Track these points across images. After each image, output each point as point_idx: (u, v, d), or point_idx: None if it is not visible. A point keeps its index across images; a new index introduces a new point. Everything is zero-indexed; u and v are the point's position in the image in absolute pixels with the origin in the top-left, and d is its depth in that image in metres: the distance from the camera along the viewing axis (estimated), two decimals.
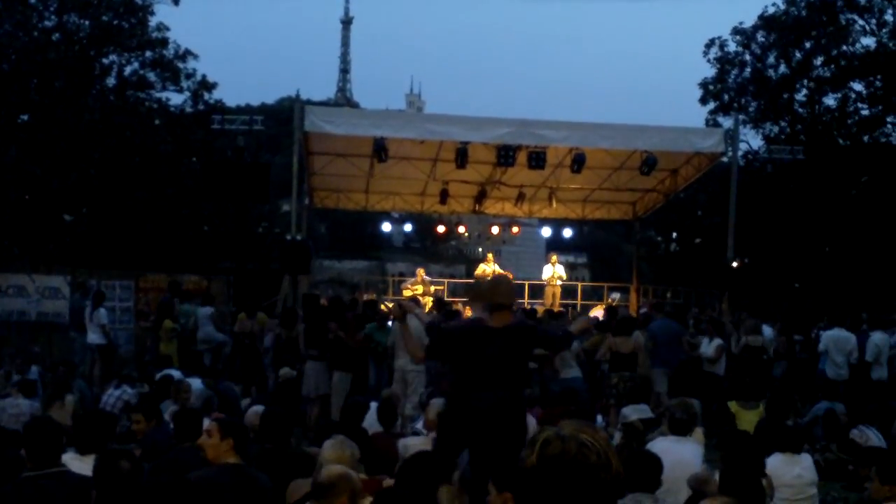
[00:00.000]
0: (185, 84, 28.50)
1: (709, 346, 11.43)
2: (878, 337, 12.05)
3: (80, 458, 4.51)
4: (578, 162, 14.81)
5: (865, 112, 27.21)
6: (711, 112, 29.58)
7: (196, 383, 8.31)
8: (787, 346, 13.14)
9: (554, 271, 18.72)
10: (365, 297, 18.50)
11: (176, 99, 28.87)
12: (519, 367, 5.27)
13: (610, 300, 21.14)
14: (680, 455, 5.20)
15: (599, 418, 9.42)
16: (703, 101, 29.76)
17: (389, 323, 11.04)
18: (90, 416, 5.95)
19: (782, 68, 28.40)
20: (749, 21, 29.01)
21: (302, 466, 4.78)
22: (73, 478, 4.04)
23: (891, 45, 26.26)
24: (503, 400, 5.05)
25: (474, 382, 5.10)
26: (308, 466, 4.71)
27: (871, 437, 8.20)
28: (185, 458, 4.76)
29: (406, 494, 3.82)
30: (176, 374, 8.85)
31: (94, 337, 12.32)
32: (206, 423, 5.46)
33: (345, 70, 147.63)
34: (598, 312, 16.17)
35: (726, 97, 29.42)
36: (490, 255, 20.13)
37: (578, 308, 18.67)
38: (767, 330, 13.14)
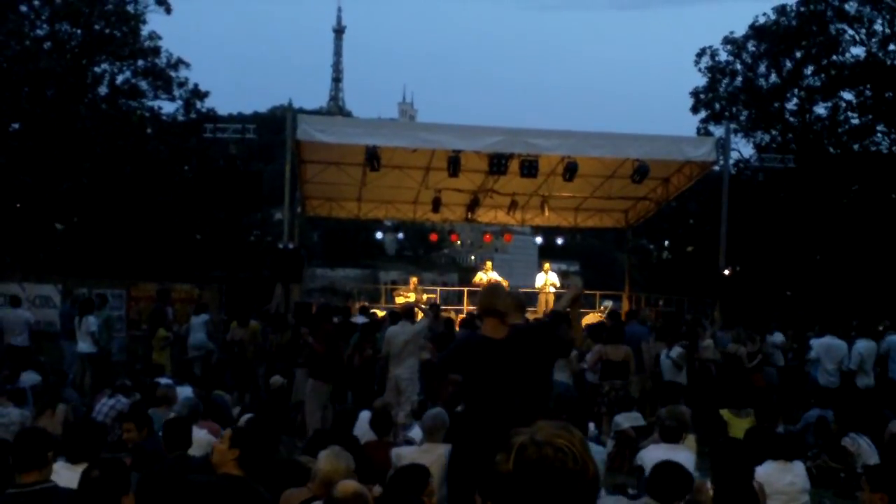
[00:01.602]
0: (177, 93, 28.50)
1: (669, 354, 11.40)
2: (861, 345, 12.07)
3: (71, 468, 4.49)
4: (570, 170, 14.85)
5: (855, 121, 27.37)
6: (703, 121, 29.75)
7: (186, 391, 8.28)
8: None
9: (547, 279, 18.74)
10: (357, 305, 18.49)
11: (168, 107, 28.89)
12: (528, 375, 5.05)
13: (602, 308, 21.16)
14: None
15: (591, 426, 9.44)
16: (695, 109, 29.91)
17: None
18: (80, 425, 5.92)
19: (773, 77, 28.57)
20: (740, 31, 29.32)
21: (291, 475, 4.76)
22: (61, 493, 4.01)
23: (880, 54, 26.44)
24: (507, 414, 4.81)
25: (482, 398, 4.94)
26: (297, 475, 4.69)
27: (863, 445, 8.22)
28: (175, 468, 4.74)
29: None
30: (165, 381, 8.81)
31: (83, 346, 12.26)
32: (195, 431, 5.46)
33: (337, 79, 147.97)
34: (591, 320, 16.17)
35: (717, 106, 29.56)
36: (489, 263, 20.17)
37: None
38: (779, 336, 13.18)
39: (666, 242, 35.73)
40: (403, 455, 5.81)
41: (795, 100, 28.52)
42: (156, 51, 27.80)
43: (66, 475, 4.31)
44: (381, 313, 15.66)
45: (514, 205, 18.91)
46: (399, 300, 18.11)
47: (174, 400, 7.57)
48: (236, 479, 4.27)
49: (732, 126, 25.09)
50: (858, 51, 26.96)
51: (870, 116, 26.71)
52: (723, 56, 29.28)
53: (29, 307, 14.98)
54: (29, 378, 9.89)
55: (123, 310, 15.89)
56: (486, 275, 18.99)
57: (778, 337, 13.23)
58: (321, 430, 8.30)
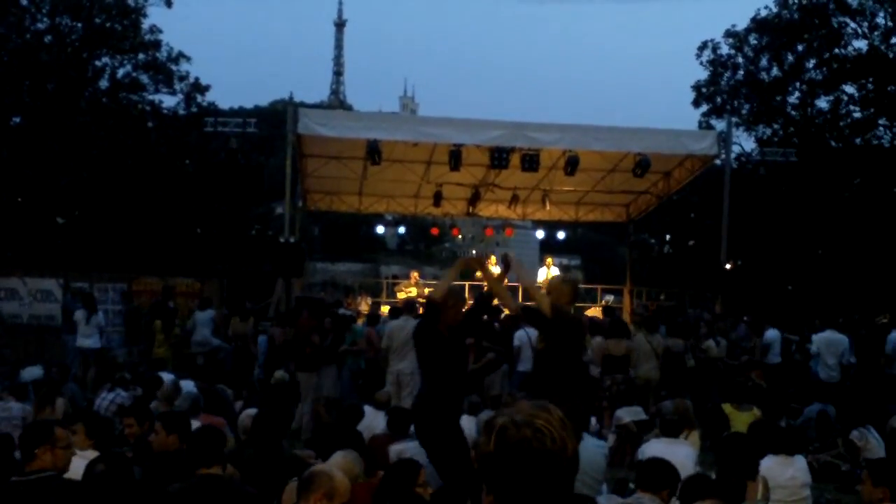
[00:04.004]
0: (177, 86, 28.44)
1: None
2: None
3: (78, 455, 4.53)
4: (572, 164, 14.82)
5: (857, 115, 27.29)
6: (704, 114, 29.65)
7: (188, 385, 8.28)
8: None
9: (549, 274, 18.73)
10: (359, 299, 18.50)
11: (169, 101, 28.84)
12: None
13: (604, 302, 21.16)
14: (672, 457, 5.21)
15: (593, 420, 9.43)
16: (696, 103, 29.82)
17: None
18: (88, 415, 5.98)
19: (775, 71, 28.48)
20: (742, 24, 29.14)
21: (293, 470, 4.77)
22: (62, 482, 4.04)
23: (882, 47, 26.35)
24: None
25: None
26: (300, 470, 4.70)
27: (872, 440, 8.20)
28: (175, 463, 4.75)
29: (388, 499, 3.83)
30: (168, 376, 8.81)
31: (87, 341, 12.25)
32: (195, 424, 5.48)
33: (338, 72, 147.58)
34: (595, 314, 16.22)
35: (719, 100, 29.48)
36: (493, 258, 20.23)
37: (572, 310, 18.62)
38: (774, 332, 13.06)
39: (667, 236, 35.69)
40: (403, 450, 5.81)
41: (797, 93, 28.45)
42: (156, 44, 27.75)
43: (74, 462, 4.34)
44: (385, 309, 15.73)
45: (516, 199, 18.88)
46: (400, 295, 18.11)
47: (175, 394, 7.58)
48: (218, 479, 4.28)
49: (734, 119, 25.02)
50: (860, 44, 26.91)
51: (872, 110, 26.63)
52: (724, 49, 29.22)
53: (30, 302, 14.99)
54: (31, 373, 9.91)
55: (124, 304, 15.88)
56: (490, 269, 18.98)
57: (772, 334, 13.05)
58: (325, 425, 8.32)
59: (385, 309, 15.56)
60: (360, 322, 13.79)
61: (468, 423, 7.09)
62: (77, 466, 4.23)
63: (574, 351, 5.76)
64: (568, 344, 5.69)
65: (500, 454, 1.68)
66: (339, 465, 4.38)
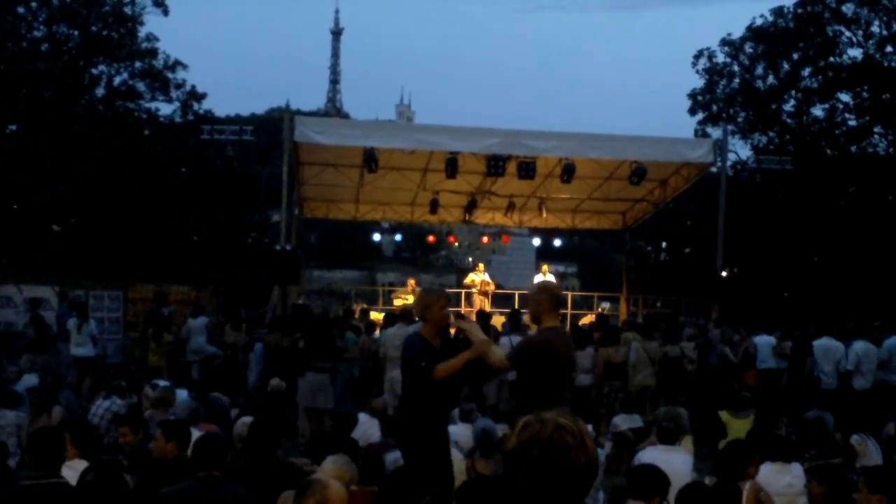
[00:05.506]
0: (174, 94, 28.43)
1: None
2: (858, 346, 12.03)
3: (68, 466, 4.52)
4: (568, 172, 14.86)
5: (853, 123, 27.39)
6: (700, 122, 29.74)
7: (182, 394, 8.25)
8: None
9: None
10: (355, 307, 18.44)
11: (165, 109, 28.81)
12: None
13: (600, 309, 21.17)
14: (669, 465, 5.20)
15: (590, 428, 9.41)
16: (692, 111, 29.91)
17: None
18: (73, 424, 5.96)
19: (770, 79, 28.59)
20: (737, 32, 29.26)
21: (289, 478, 4.75)
22: (69, 489, 4.04)
23: (877, 56, 26.47)
24: None
25: None
26: (295, 478, 4.69)
27: (871, 447, 8.18)
28: (170, 470, 4.74)
29: None
30: (163, 384, 8.78)
31: (81, 350, 12.20)
32: (195, 433, 5.47)
33: (335, 80, 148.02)
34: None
35: (715, 108, 29.57)
36: (481, 265, 20.16)
37: (569, 317, 18.65)
38: (768, 338, 12.98)
39: (663, 244, 35.71)
40: (399, 459, 5.78)
41: (793, 101, 28.55)
42: (153, 52, 27.75)
43: (66, 473, 4.34)
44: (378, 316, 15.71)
45: (512, 206, 18.90)
46: (397, 302, 18.10)
47: (171, 403, 7.55)
48: (211, 480, 4.27)
49: (730, 128, 25.08)
50: (856, 52, 27.03)
51: (867, 118, 26.72)
52: (720, 58, 29.33)
53: (26, 309, 14.91)
54: (27, 380, 9.86)
55: (120, 311, 15.83)
56: (479, 276, 18.98)
57: (760, 340, 12.95)
58: (320, 433, 8.30)
59: (379, 316, 15.53)
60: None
61: (464, 431, 7.06)
62: (67, 477, 4.22)
63: (550, 373, 5.07)
64: (542, 369, 5.08)
65: (522, 448, 1.76)
66: (329, 471, 4.35)
